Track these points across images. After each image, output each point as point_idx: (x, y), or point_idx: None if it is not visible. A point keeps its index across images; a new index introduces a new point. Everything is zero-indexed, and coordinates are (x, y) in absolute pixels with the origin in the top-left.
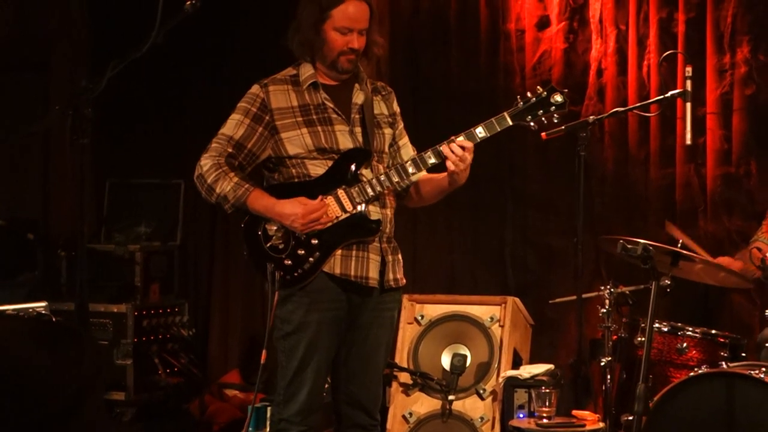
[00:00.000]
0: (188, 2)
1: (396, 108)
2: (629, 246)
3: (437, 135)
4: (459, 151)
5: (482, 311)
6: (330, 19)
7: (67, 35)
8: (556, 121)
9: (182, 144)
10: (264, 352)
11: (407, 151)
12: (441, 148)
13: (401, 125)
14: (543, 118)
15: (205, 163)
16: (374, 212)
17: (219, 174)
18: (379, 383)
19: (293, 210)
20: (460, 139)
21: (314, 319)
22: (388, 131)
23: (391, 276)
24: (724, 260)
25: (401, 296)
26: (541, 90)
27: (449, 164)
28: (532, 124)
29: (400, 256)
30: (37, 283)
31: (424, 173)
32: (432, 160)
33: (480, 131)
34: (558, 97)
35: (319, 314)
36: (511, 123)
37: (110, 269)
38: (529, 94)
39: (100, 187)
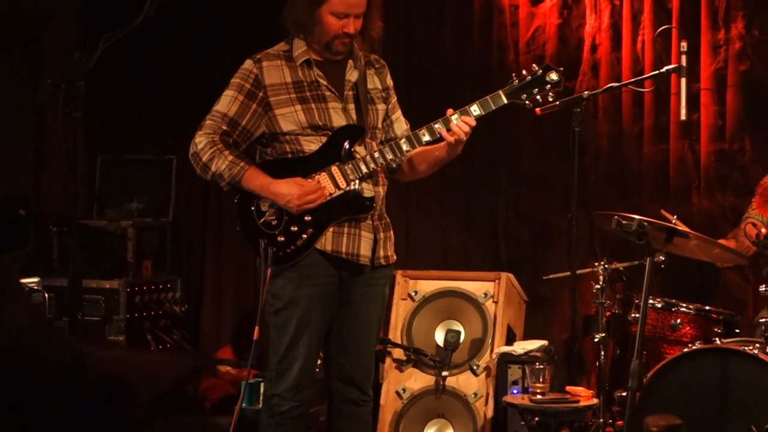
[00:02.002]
0: None
1: (389, 82)
2: (624, 222)
3: (431, 110)
4: (465, 127)
5: (476, 287)
6: (327, 2)
7: (59, 10)
8: (551, 99)
9: (175, 120)
10: (257, 328)
11: (400, 125)
12: (435, 125)
13: (394, 99)
14: (538, 97)
15: (200, 140)
16: (367, 189)
17: (214, 152)
18: (371, 359)
19: (289, 190)
20: (456, 116)
21: (305, 295)
22: (381, 106)
23: (381, 253)
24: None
25: (392, 272)
26: (536, 68)
27: (447, 135)
28: (527, 102)
29: (391, 233)
30: (28, 259)
31: (417, 148)
32: (426, 138)
33: (474, 109)
34: (553, 76)
35: (310, 289)
36: (506, 101)
37: (102, 245)
38: (524, 72)
39: (92, 162)
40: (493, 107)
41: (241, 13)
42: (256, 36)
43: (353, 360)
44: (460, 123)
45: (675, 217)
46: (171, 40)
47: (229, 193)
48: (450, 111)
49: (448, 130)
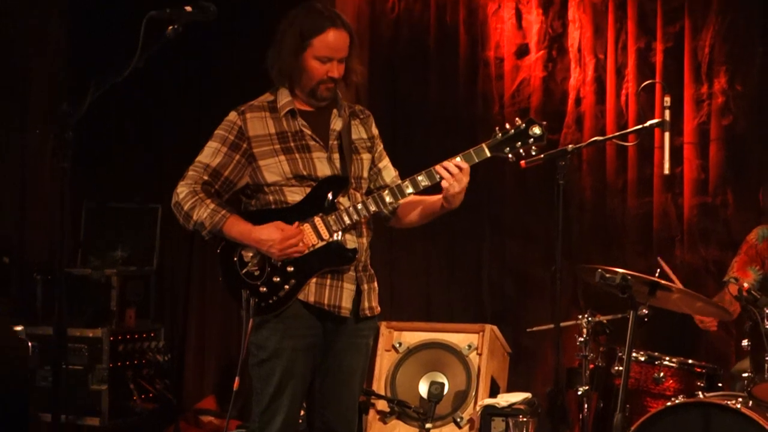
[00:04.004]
0: (170, 27)
1: (374, 131)
2: (608, 275)
3: (415, 161)
4: (455, 170)
5: (460, 339)
6: (310, 47)
7: (46, 56)
8: (534, 153)
9: (160, 168)
10: (237, 379)
11: (389, 172)
12: (419, 177)
13: (381, 147)
14: (521, 150)
15: (182, 190)
16: (350, 241)
17: (195, 201)
18: (355, 410)
19: (270, 236)
20: (457, 159)
21: (289, 346)
22: (366, 156)
23: (366, 304)
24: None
25: (377, 324)
26: (519, 122)
27: (444, 183)
28: (509, 155)
29: (375, 284)
30: (12, 306)
31: (412, 197)
32: (410, 190)
33: (458, 161)
34: (536, 130)
35: (294, 341)
36: (489, 154)
37: (86, 293)
38: (507, 126)
39: (77, 210)
40: (477, 160)
41: (228, 63)
42: (242, 86)
43: (336, 411)
44: (448, 165)
45: (658, 271)
46: (157, 89)
47: (214, 243)
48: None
49: (440, 178)
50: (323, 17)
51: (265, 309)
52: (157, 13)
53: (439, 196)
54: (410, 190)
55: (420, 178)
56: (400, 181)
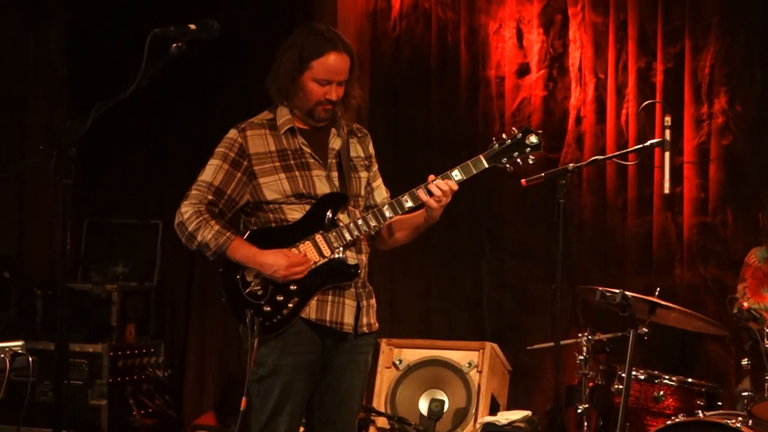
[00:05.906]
0: (174, 45)
1: (371, 150)
2: (608, 294)
3: (416, 180)
4: (445, 186)
5: (460, 356)
6: (310, 69)
7: (45, 73)
8: (531, 162)
9: (160, 184)
10: (244, 399)
11: (380, 192)
12: (418, 191)
13: (375, 167)
14: (518, 160)
15: (186, 210)
16: (351, 257)
17: (200, 222)
18: (354, 427)
19: (276, 261)
20: (438, 180)
21: (289, 363)
22: (364, 174)
23: (364, 321)
24: None
25: (375, 340)
26: (516, 131)
27: (432, 203)
28: (507, 166)
29: (373, 301)
30: (12, 321)
31: (398, 216)
32: (409, 204)
33: (456, 174)
34: (533, 139)
35: (294, 358)
36: (486, 165)
37: (86, 309)
38: (504, 136)
39: (78, 226)
40: (475, 172)
41: (229, 79)
42: (242, 102)
43: (335, 429)
44: (440, 184)
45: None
46: (159, 105)
47: (215, 259)
48: (431, 177)
49: (430, 194)
50: (324, 39)
51: (270, 328)
52: (161, 31)
53: (420, 212)
54: (409, 203)
55: (419, 191)
56: (398, 197)
